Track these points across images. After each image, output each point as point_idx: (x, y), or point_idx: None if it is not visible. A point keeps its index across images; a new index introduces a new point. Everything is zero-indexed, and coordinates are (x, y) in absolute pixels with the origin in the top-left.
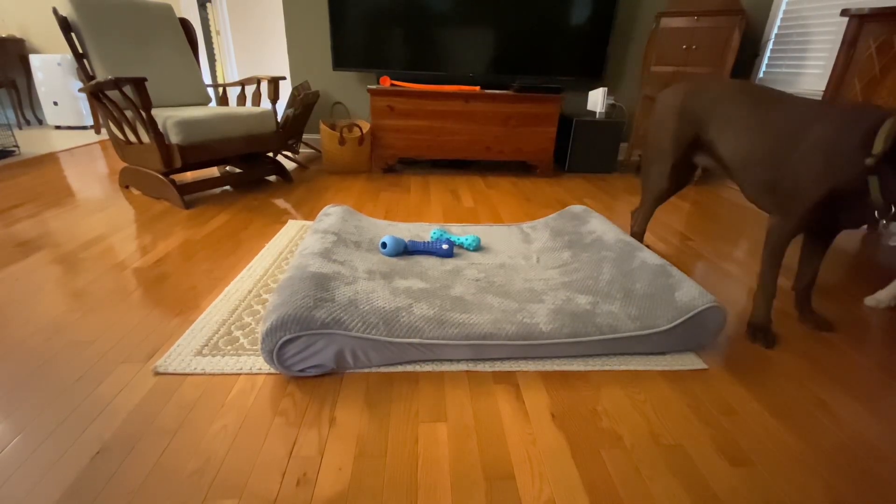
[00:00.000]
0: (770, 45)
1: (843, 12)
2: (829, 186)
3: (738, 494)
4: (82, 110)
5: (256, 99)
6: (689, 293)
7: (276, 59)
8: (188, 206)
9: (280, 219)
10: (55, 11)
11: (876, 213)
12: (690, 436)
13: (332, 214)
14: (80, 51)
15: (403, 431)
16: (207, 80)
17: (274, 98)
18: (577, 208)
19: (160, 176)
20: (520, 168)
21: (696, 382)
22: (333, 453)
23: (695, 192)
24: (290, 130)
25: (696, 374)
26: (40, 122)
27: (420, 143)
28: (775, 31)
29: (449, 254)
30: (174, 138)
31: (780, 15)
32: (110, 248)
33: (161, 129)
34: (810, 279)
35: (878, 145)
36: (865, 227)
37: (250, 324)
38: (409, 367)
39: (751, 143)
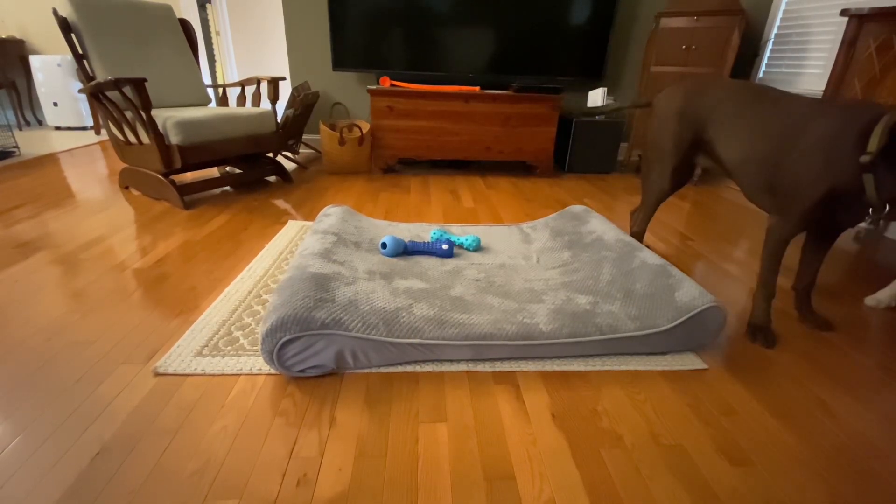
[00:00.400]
0: (770, 45)
1: (843, 12)
2: (828, 185)
3: (738, 494)
4: (82, 111)
5: (256, 99)
6: (689, 293)
7: (275, 60)
8: (188, 206)
9: (280, 219)
10: (55, 12)
11: (871, 210)
12: (690, 436)
13: (331, 215)
14: (80, 51)
15: (403, 432)
16: (207, 80)
17: (274, 98)
18: (576, 208)
19: (160, 176)
20: (520, 168)
21: (696, 382)
22: (333, 454)
23: (695, 192)
24: (290, 131)
25: (697, 374)
26: (40, 122)
27: (420, 144)
28: (775, 30)
29: (449, 254)
30: (174, 139)
31: (780, 15)
32: (110, 248)
33: (161, 130)
34: (811, 279)
35: (873, 143)
36: (864, 224)
37: (250, 324)
38: (410, 368)
39: (749, 143)
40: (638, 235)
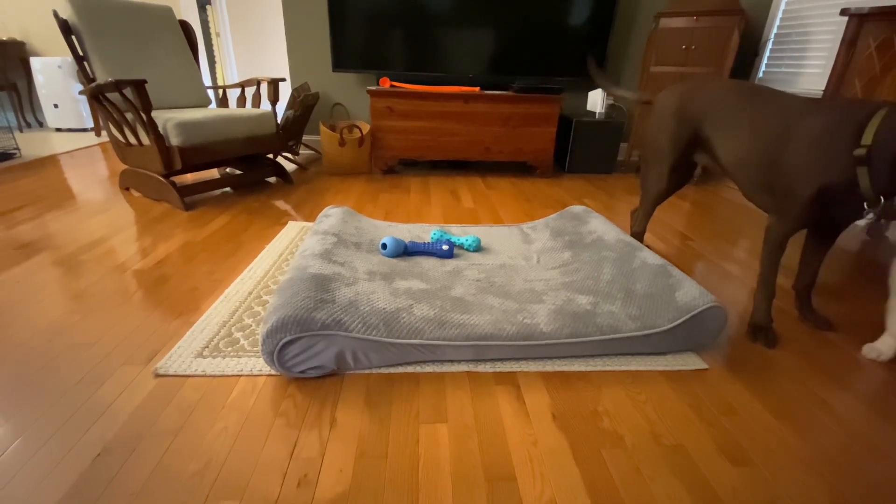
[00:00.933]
0: (770, 45)
1: (843, 12)
2: (822, 182)
3: (739, 494)
4: (83, 113)
5: (256, 101)
6: (690, 293)
7: (275, 61)
8: (188, 207)
9: (280, 220)
10: (56, 14)
11: (865, 205)
12: (691, 436)
13: (332, 216)
14: (81, 53)
15: (404, 432)
16: (207, 81)
17: (274, 100)
18: (577, 208)
19: (160, 178)
20: (520, 169)
21: (697, 382)
22: (334, 454)
23: (695, 191)
24: (290, 132)
25: (697, 374)
26: (41, 124)
27: (420, 144)
28: (775, 30)
29: (449, 254)
30: (174, 140)
31: (780, 14)
32: (111, 250)
33: (161, 131)
34: (811, 278)
35: (868, 136)
36: (865, 222)
37: (251, 325)
38: (410, 368)
39: (745, 142)
40: (638, 235)
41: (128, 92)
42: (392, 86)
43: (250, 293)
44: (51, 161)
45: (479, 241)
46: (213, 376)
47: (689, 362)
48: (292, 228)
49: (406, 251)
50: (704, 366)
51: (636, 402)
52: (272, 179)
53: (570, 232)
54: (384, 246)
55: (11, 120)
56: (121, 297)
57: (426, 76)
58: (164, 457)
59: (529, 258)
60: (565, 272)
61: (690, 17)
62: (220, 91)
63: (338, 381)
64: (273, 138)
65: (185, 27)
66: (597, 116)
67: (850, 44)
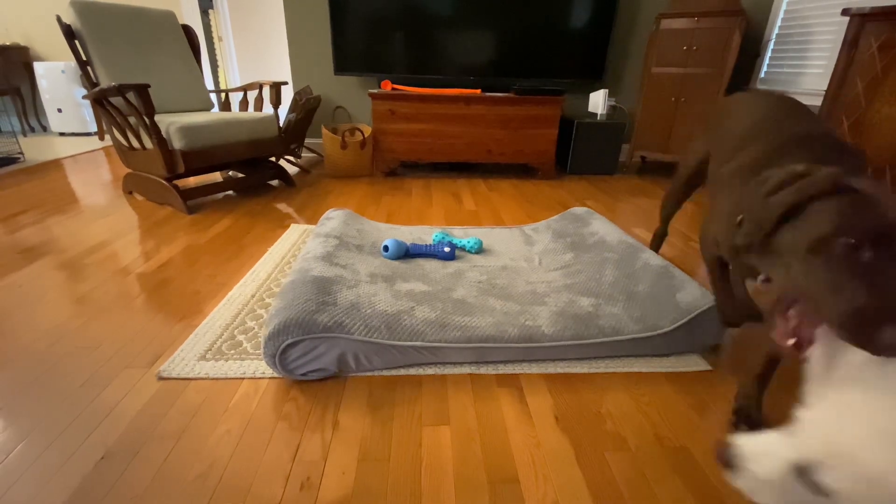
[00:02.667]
0: (771, 46)
1: (844, 12)
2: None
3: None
4: (86, 117)
5: (258, 104)
6: (692, 294)
7: (277, 65)
8: (191, 211)
9: (282, 223)
10: (59, 19)
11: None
12: (695, 437)
13: (334, 218)
14: (84, 58)
15: (407, 435)
16: (210, 85)
17: (276, 103)
18: (578, 210)
19: (163, 181)
20: (521, 170)
21: (700, 384)
22: (337, 457)
23: (697, 193)
24: (293, 135)
25: (700, 376)
26: (44, 129)
27: (421, 147)
28: (776, 31)
29: (451, 256)
30: (177, 144)
31: (781, 15)
32: (114, 253)
33: (164, 135)
34: None
35: (739, 235)
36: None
37: (253, 328)
38: (412, 371)
39: (718, 159)
40: (658, 238)
41: (131, 96)
42: (393, 88)
43: (253, 296)
44: (54, 165)
45: (480, 242)
46: (216, 379)
47: (692, 363)
48: (294, 231)
49: (408, 253)
50: (707, 367)
51: (639, 403)
52: (274, 182)
53: (571, 233)
54: (386, 248)
55: (15, 124)
56: (124, 300)
57: (427, 79)
58: (167, 460)
59: (531, 260)
60: (567, 274)
61: (691, 17)
62: (223, 95)
63: (340, 384)
64: (275, 141)
65: (188, 31)
66: (598, 118)
67: (851, 44)
